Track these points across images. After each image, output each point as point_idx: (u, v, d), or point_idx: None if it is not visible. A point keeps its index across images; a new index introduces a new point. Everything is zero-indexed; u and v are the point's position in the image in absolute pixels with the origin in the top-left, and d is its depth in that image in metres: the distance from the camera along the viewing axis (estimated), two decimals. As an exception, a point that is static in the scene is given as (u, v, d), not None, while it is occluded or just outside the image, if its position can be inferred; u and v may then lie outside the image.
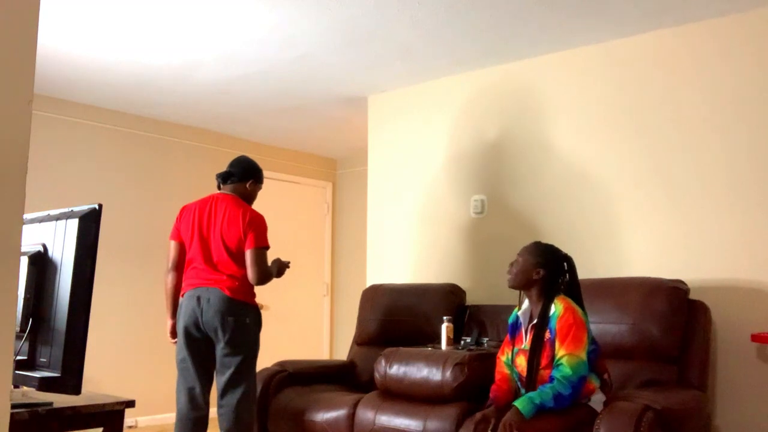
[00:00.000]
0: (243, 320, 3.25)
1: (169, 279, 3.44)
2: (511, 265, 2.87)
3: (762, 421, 3.20)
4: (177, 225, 3.45)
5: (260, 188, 3.57)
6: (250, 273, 3.27)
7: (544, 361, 2.67)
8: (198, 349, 3.31)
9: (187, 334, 3.29)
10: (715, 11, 3.42)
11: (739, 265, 3.32)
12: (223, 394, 3.24)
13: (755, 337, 3.00)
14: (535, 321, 2.78)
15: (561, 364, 2.62)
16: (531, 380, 2.69)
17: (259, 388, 3.68)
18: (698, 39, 3.55)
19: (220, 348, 3.24)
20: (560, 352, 2.64)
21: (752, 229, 3.31)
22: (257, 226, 3.31)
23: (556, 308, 2.71)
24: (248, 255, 3.28)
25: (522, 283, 2.84)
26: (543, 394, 2.59)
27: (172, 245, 3.45)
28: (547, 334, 2.69)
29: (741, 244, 3.33)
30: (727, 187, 3.40)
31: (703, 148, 3.48)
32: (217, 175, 3.50)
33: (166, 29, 3.77)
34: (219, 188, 3.51)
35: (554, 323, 2.68)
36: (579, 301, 2.79)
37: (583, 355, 2.63)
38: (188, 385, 3.30)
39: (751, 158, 3.34)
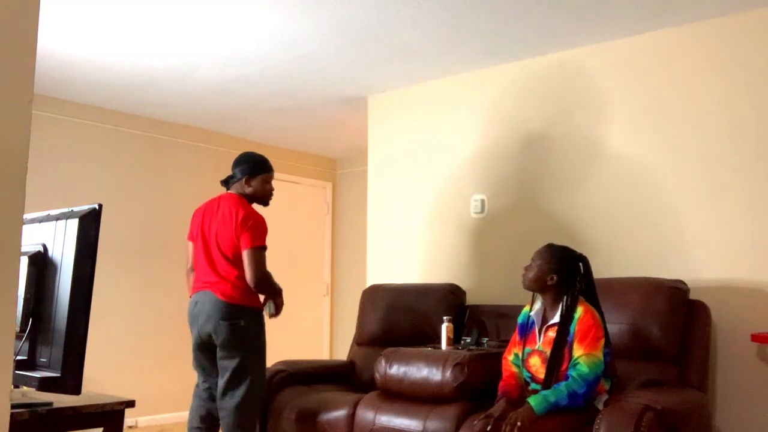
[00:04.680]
0: (237, 323, 3.16)
1: (189, 279, 3.42)
2: (526, 269, 2.89)
3: (762, 421, 3.20)
4: (190, 226, 3.45)
5: (265, 179, 3.36)
6: (247, 274, 3.17)
7: (564, 364, 2.70)
8: (204, 351, 3.29)
9: (193, 337, 3.29)
10: None
11: (739, 265, 3.32)
12: (222, 397, 3.20)
13: (755, 337, 3.00)
14: (550, 322, 2.79)
15: (578, 363, 2.64)
16: (549, 381, 2.70)
17: (259, 388, 3.69)
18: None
19: (218, 351, 3.21)
20: (578, 351, 2.66)
21: (752, 229, 3.31)
22: (252, 226, 3.19)
23: (577, 312, 2.74)
24: (244, 256, 3.18)
25: (536, 288, 2.87)
26: (557, 392, 2.61)
27: (189, 246, 3.44)
28: (567, 338, 2.72)
29: (741, 244, 3.33)
30: (727, 187, 3.40)
31: (701, 148, 3.48)
32: (222, 180, 3.44)
33: (166, 29, 3.77)
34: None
35: (574, 325, 2.71)
36: (596, 301, 2.83)
37: (601, 356, 2.67)
38: (202, 383, 3.34)
39: (752, 157, 3.34)
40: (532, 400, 2.60)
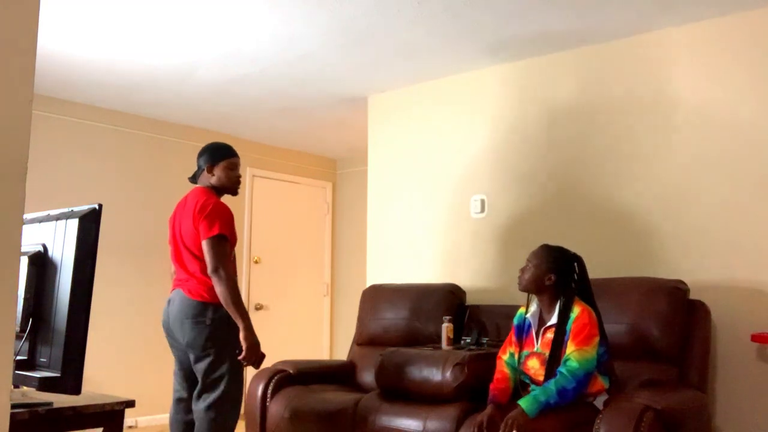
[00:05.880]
0: (201, 321, 2.92)
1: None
2: (522, 270, 2.90)
3: (762, 421, 3.20)
4: (169, 230, 3.36)
5: (228, 165, 3.13)
6: (207, 267, 2.93)
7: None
8: (178, 351, 3.11)
9: (166, 337, 3.13)
10: None
11: (739, 265, 3.32)
12: (195, 400, 2.99)
13: (755, 337, 3.00)
14: (548, 324, 2.79)
15: (569, 359, 2.65)
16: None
17: (259, 388, 3.68)
18: None
19: (189, 354, 2.99)
20: (570, 348, 2.67)
21: (753, 229, 3.30)
22: (209, 214, 2.94)
23: (573, 312, 2.74)
24: (203, 247, 2.94)
25: (533, 289, 2.86)
26: (547, 390, 2.61)
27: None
28: (564, 338, 2.72)
29: (741, 244, 3.32)
30: (729, 187, 3.39)
31: (701, 148, 3.48)
32: (189, 177, 3.28)
33: (166, 29, 3.77)
34: None
35: (570, 325, 2.71)
36: (591, 301, 2.83)
37: (593, 352, 2.66)
38: (176, 392, 3.16)
39: (754, 157, 3.34)
40: (523, 403, 2.59)
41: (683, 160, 3.53)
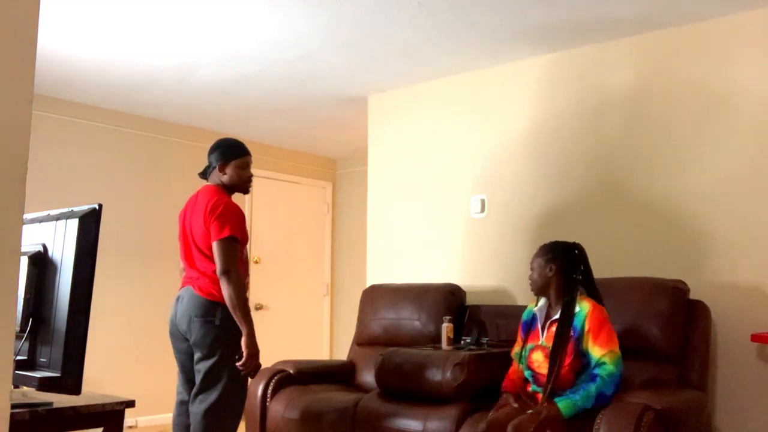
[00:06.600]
0: (211, 320, 2.87)
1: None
2: (530, 276, 2.94)
3: (762, 421, 3.20)
4: (178, 227, 3.35)
5: (239, 164, 3.06)
6: (217, 268, 2.88)
7: (567, 359, 2.69)
8: (180, 354, 3.05)
9: (170, 338, 3.07)
10: None
11: (739, 265, 3.32)
12: (192, 401, 2.92)
13: (755, 337, 3.00)
14: (553, 318, 2.80)
15: (604, 362, 2.65)
16: (552, 377, 2.70)
17: (259, 388, 3.69)
18: None
19: (194, 353, 2.94)
20: (599, 351, 2.66)
21: (752, 229, 3.30)
22: (220, 215, 2.88)
23: (582, 307, 2.75)
24: (213, 248, 2.89)
25: (542, 285, 2.89)
26: (587, 396, 2.60)
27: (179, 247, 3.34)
28: (570, 332, 2.72)
29: (741, 244, 3.32)
30: (728, 187, 3.39)
31: (701, 146, 3.48)
32: (200, 173, 3.22)
33: (166, 29, 3.77)
34: None
35: (580, 322, 2.72)
36: (595, 288, 2.86)
37: (619, 351, 2.69)
38: (179, 395, 3.11)
39: (753, 155, 3.34)
40: (561, 403, 2.59)
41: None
